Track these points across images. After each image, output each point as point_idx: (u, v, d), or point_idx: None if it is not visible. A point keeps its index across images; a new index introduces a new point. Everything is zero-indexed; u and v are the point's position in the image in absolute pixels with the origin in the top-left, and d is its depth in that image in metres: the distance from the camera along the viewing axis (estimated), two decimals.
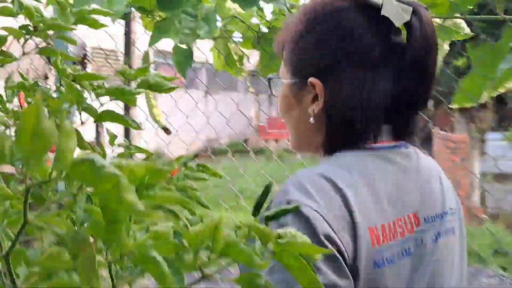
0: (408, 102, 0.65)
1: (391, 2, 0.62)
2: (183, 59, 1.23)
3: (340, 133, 0.65)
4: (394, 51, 0.64)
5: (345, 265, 0.54)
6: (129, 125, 0.52)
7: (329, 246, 0.53)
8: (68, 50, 1.58)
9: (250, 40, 1.36)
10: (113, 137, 0.57)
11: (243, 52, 1.46)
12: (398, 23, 0.62)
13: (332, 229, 0.55)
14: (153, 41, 1.24)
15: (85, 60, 1.73)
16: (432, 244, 0.64)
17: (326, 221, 0.55)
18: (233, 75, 1.52)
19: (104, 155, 0.52)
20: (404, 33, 0.64)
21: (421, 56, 0.63)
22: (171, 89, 0.55)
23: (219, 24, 1.33)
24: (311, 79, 0.64)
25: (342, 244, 0.55)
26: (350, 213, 0.57)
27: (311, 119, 0.65)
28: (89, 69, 2.47)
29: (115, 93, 0.49)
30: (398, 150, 0.66)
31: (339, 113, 0.64)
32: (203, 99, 6.42)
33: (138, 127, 0.52)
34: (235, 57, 1.47)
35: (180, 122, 1.90)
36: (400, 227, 0.61)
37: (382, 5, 0.62)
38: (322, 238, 0.53)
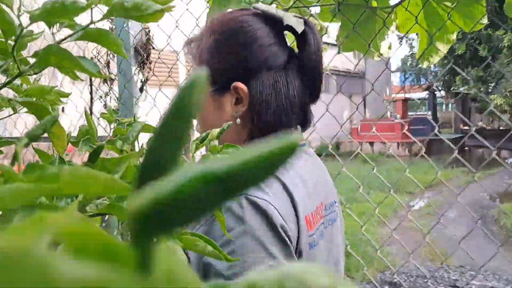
0: (309, 97, 0.76)
1: (288, 15, 0.73)
2: None
3: (266, 128, 0.71)
4: (295, 56, 0.75)
5: (293, 251, 0.63)
6: None
7: (284, 235, 0.61)
8: (130, 34, 1.45)
9: (329, 9, 1.12)
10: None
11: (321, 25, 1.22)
12: (299, 30, 0.71)
13: (284, 221, 0.62)
14: (211, 12, 1.06)
15: (149, 47, 1.59)
16: (330, 229, 0.77)
17: (279, 213, 0.61)
18: None
19: None
20: (294, 43, 0.76)
21: (317, 57, 0.74)
22: (159, 14, 0.33)
23: None
24: (235, 83, 0.71)
25: (291, 233, 0.62)
26: (294, 205, 0.65)
27: (238, 120, 0.72)
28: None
29: None
30: (307, 145, 0.81)
31: (263, 111, 0.71)
32: None
33: None
34: None
35: None
36: (318, 213, 0.72)
37: (282, 17, 0.72)
38: (279, 228, 0.60)
